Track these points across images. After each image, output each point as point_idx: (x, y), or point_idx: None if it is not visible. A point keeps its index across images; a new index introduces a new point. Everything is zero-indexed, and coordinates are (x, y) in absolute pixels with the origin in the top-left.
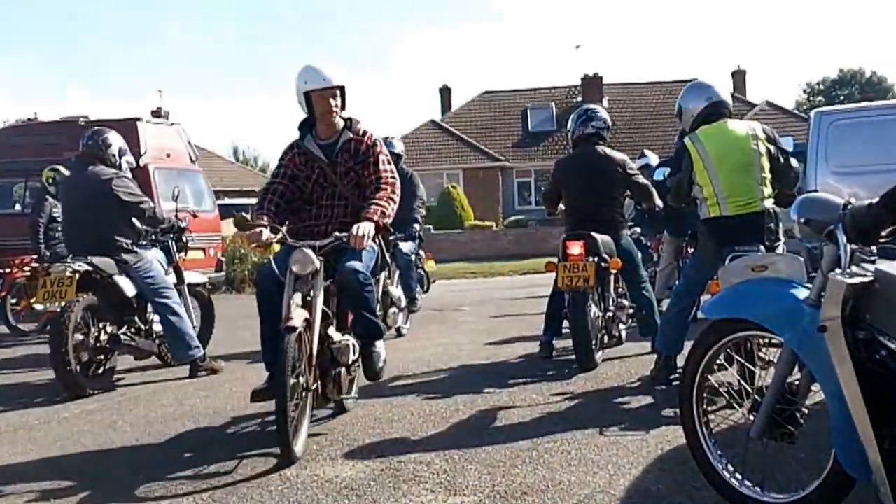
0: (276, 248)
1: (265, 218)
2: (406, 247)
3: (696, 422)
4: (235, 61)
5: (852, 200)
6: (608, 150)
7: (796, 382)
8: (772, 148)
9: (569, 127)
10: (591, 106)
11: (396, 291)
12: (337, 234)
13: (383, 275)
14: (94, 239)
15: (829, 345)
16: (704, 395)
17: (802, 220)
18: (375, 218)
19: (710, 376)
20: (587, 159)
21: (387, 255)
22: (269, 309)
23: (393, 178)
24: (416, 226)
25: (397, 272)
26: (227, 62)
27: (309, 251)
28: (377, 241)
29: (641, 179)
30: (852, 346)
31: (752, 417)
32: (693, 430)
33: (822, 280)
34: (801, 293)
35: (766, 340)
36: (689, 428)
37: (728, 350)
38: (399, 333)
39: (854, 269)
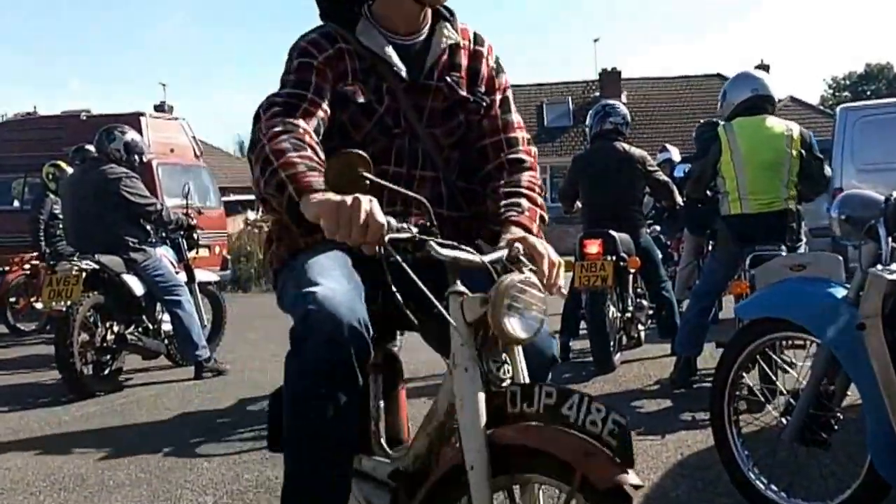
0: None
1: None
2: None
3: (725, 422)
4: (241, 55)
5: (895, 194)
6: (627, 147)
7: (832, 387)
8: (804, 153)
9: (587, 123)
10: (611, 101)
11: None
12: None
13: None
14: (102, 237)
15: (867, 344)
16: (737, 395)
17: (843, 217)
18: (535, 228)
19: (744, 376)
20: (606, 156)
21: None
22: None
23: (530, 141)
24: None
25: None
26: (233, 56)
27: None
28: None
29: (662, 176)
30: (892, 345)
31: (784, 421)
32: (722, 430)
33: (861, 277)
34: (840, 292)
35: (790, 342)
36: (718, 428)
37: (766, 350)
38: None
39: (894, 266)
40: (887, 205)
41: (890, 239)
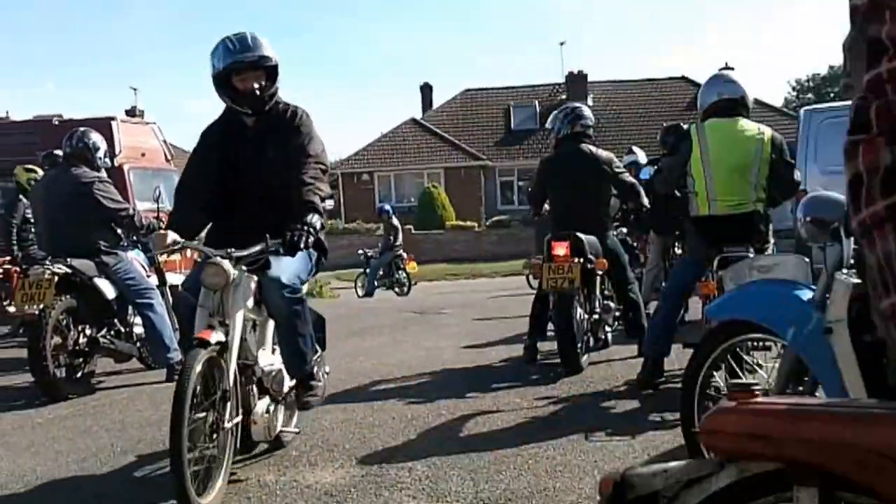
0: None
1: None
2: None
3: (695, 422)
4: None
5: None
6: (594, 149)
7: (800, 388)
8: (775, 156)
9: (549, 125)
10: (576, 104)
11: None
12: None
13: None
14: (74, 241)
15: (834, 347)
16: (707, 396)
17: (808, 219)
18: None
19: (713, 377)
20: (574, 158)
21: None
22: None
23: None
24: None
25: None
26: (204, 60)
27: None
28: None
29: (629, 178)
30: (858, 348)
31: None
32: (691, 431)
33: (826, 280)
34: (806, 294)
35: (758, 343)
36: (687, 428)
37: (736, 351)
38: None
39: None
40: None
41: (851, 241)
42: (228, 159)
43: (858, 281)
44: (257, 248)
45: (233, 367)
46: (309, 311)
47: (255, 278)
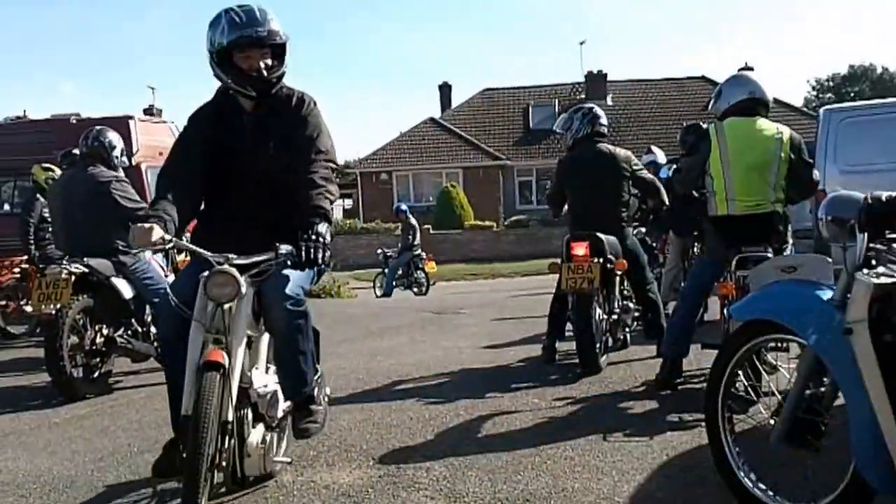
0: None
1: None
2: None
3: (719, 423)
4: None
5: (870, 196)
6: (612, 148)
7: (822, 389)
8: (793, 156)
9: (559, 127)
10: (590, 105)
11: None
12: None
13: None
14: (91, 240)
15: (854, 348)
16: (730, 396)
17: (829, 217)
18: None
19: (738, 377)
20: (592, 157)
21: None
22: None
23: None
24: None
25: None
26: None
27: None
28: None
29: (648, 175)
30: (879, 349)
31: (772, 422)
32: (715, 431)
33: (846, 280)
34: (827, 295)
35: (776, 345)
36: (711, 428)
37: (760, 351)
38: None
39: (881, 269)
40: (861, 206)
41: (865, 238)
42: (221, 148)
43: (879, 281)
44: (263, 256)
45: (234, 393)
46: (311, 326)
47: (254, 289)
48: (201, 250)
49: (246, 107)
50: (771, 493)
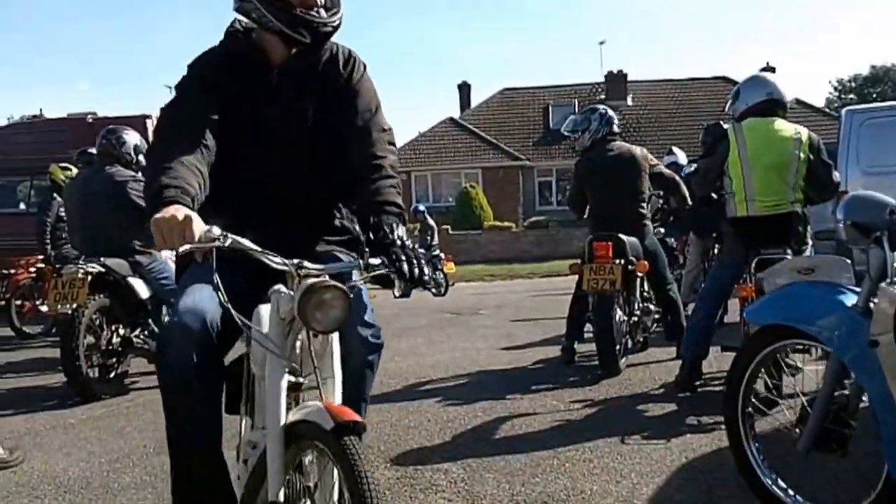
0: None
1: None
2: None
3: (739, 427)
4: None
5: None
6: (629, 146)
7: (845, 392)
8: (812, 157)
9: (578, 127)
10: (601, 106)
11: None
12: None
13: None
14: (108, 240)
15: (881, 360)
16: (750, 401)
17: (849, 222)
18: None
19: (757, 380)
20: (610, 157)
21: None
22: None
23: None
24: None
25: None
26: None
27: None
28: None
29: (667, 172)
30: None
31: (798, 431)
32: (736, 435)
33: (870, 286)
34: (849, 299)
35: (798, 346)
36: (732, 432)
37: (777, 355)
38: None
39: None
40: (891, 218)
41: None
42: (236, 111)
43: None
44: (343, 262)
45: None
46: None
47: None
48: (271, 255)
49: (275, 59)
50: (792, 493)
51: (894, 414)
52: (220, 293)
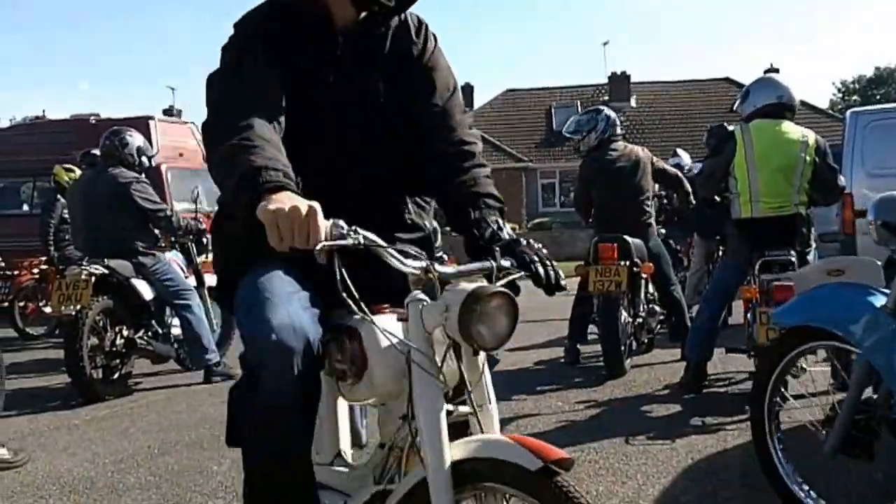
0: None
1: None
2: None
3: (766, 431)
4: None
5: None
6: (634, 147)
7: (874, 397)
8: (818, 160)
9: (583, 128)
10: (603, 107)
11: None
12: None
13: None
14: (112, 241)
15: None
16: (777, 404)
17: (879, 222)
18: None
19: (783, 385)
20: (617, 157)
21: None
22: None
23: None
24: None
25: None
26: None
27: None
28: None
29: (670, 169)
30: None
31: (824, 433)
32: (762, 434)
33: None
34: (879, 300)
35: (830, 348)
36: (758, 436)
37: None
38: None
39: None
40: None
41: None
42: (300, 86)
43: None
44: (475, 264)
45: None
46: None
47: None
48: (398, 257)
49: (339, 22)
50: (815, 496)
51: None
52: (359, 305)
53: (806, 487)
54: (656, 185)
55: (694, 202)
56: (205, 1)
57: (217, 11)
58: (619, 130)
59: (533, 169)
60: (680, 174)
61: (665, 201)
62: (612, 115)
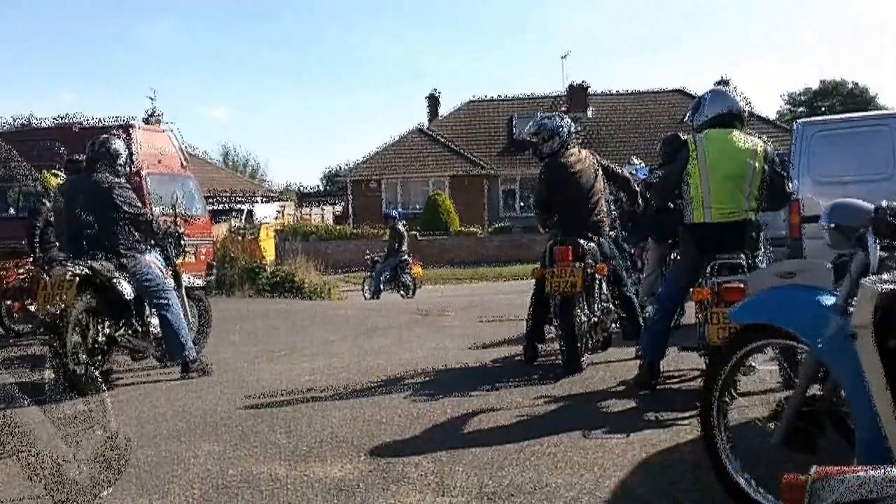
0: None
1: None
2: None
3: (714, 426)
4: (227, 64)
5: (884, 203)
6: (585, 150)
7: (819, 392)
8: (767, 167)
9: (530, 132)
10: (558, 114)
11: None
12: None
13: None
14: (94, 243)
15: (859, 353)
16: (726, 399)
17: (832, 225)
18: None
19: (732, 383)
20: (574, 161)
21: None
22: None
23: None
24: None
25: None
26: (220, 65)
27: None
28: None
29: (617, 167)
30: (883, 354)
31: (771, 426)
32: (710, 434)
33: (849, 286)
34: (829, 300)
35: (781, 344)
36: (707, 431)
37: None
38: None
39: (885, 276)
40: (877, 213)
41: (878, 248)
42: None
43: (884, 287)
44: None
45: None
46: None
47: None
48: None
49: None
50: (771, 497)
51: (869, 412)
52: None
53: (752, 480)
54: (607, 189)
55: (641, 203)
56: (185, 9)
57: (197, 17)
58: (575, 136)
59: (495, 176)
60: (627, 174)
61: (616, 204)
62: (571, 121)
